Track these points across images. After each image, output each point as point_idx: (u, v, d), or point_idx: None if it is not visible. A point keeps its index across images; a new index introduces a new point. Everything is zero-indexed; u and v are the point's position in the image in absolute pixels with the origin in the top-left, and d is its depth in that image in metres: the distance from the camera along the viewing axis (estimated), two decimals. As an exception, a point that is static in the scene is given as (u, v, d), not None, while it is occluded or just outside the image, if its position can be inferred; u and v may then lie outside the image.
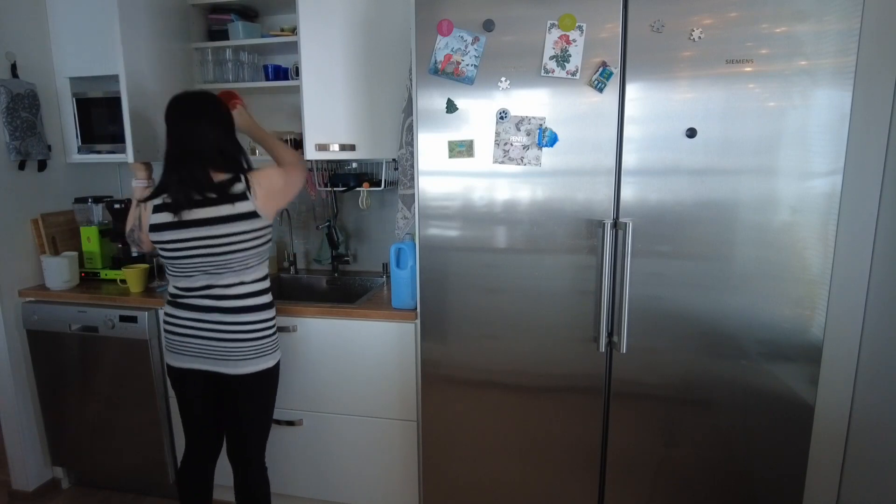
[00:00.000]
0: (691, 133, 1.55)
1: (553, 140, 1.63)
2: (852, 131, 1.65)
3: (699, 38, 1.50)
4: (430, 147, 1.72)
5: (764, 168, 1.53)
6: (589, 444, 1.78)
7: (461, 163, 1.70)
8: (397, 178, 2.12)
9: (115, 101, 2.39)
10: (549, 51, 1.59)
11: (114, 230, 2.50)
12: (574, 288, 1.70)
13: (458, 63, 1.64)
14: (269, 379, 1.79)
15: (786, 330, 1.60)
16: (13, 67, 2.32)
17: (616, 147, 1.60)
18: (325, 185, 2.41)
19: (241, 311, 1.71)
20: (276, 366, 1.81)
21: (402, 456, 2.09)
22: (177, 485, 1.98)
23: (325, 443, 2.15)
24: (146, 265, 2.34)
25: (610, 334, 1.69)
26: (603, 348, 1.69)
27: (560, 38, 1.57)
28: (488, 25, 1.61)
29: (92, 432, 2.37)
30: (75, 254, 2.42)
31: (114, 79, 2.62)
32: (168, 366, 1.80)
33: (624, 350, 1.67)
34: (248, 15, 2.48)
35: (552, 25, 1.57)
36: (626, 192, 1.61)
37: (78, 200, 2.54)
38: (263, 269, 1.78)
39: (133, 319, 2.20)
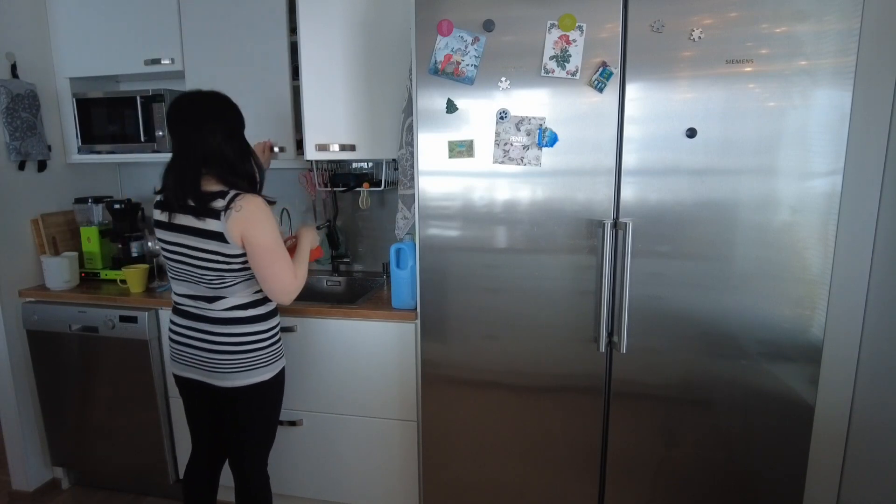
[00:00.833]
0: (691, 133, 1.54)
1: (553, 140, 1.63)
2: (852, 131, 1.65)
3: (699, 38, 1.50)
4: (430, 147, 1.72)
5: (764, 168, 1.53)
6: (589, 444, 1.78)
7: (461, 163, 1.70)
8: (397, 178, 2.12)
9: (115, 101, 2.39)
10: (549, 51, 1.59)
11: (114, 230, 2.50)
12: (574, 288, 1.70)
13: (458, 63, 1.64)
14: (266, 392, 1.70)
15: (786, 330, 1.60)
16: (13, 67, 2.32)
17: (616, 147, 1.60)
18: (325, 185, 2.41)
19: (229, 322, 1.63)
20: (276, 378, 1.72)
21: (402, 456, 2.09)
22: (182, 487, 1.98)
23: (325, 443, 2.15)
24: (146, 265, 2.34)
25: (610, 334, 1.69)
26: (603, 348, 1.69)
27: (560, 38, 1.57)
28: (488, 25, 1.61)
29: (92, 432, 2.37)
30: (75, 254, 2.42)
31: (114, 79, 2.64)
32: (172, 373, 1.79)
33: (624, 350, 1.67)
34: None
35: (552, 25, 1.57)
36: (626, 192, 1.61)
37: (78, 201, 2.54)
38: (252, 289, 1.65)
39: (133, 320, 2.20)
